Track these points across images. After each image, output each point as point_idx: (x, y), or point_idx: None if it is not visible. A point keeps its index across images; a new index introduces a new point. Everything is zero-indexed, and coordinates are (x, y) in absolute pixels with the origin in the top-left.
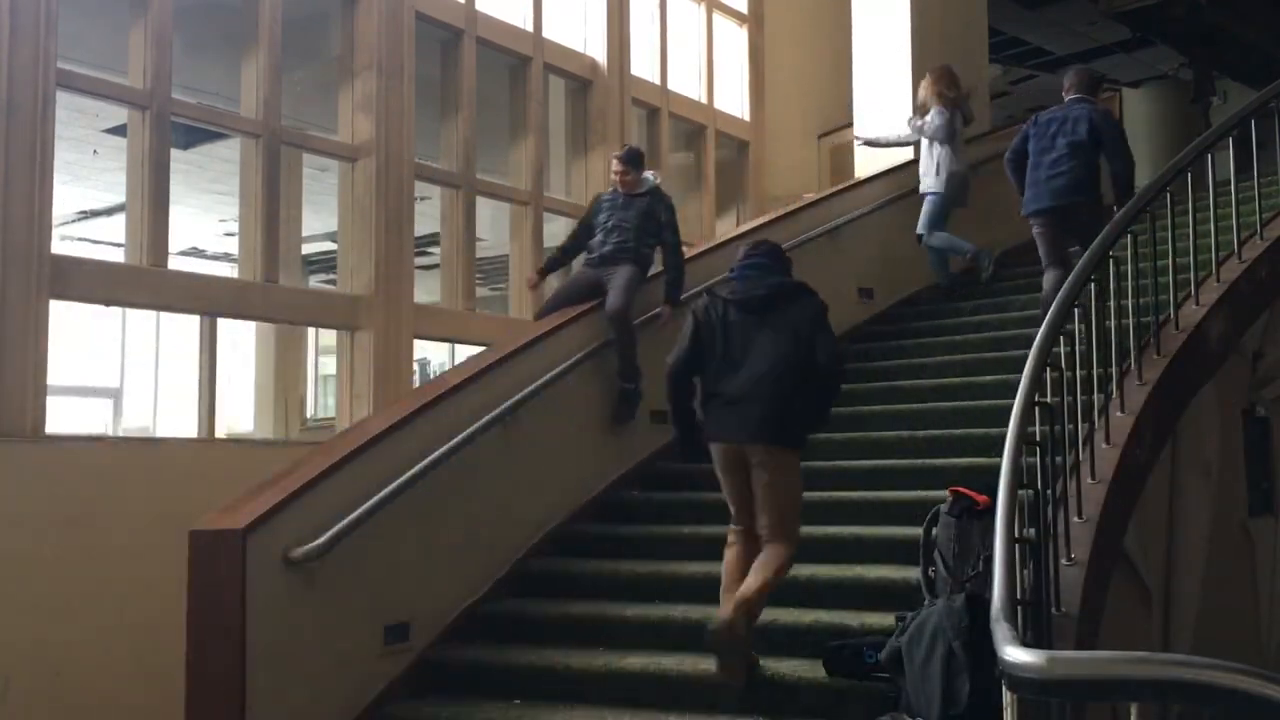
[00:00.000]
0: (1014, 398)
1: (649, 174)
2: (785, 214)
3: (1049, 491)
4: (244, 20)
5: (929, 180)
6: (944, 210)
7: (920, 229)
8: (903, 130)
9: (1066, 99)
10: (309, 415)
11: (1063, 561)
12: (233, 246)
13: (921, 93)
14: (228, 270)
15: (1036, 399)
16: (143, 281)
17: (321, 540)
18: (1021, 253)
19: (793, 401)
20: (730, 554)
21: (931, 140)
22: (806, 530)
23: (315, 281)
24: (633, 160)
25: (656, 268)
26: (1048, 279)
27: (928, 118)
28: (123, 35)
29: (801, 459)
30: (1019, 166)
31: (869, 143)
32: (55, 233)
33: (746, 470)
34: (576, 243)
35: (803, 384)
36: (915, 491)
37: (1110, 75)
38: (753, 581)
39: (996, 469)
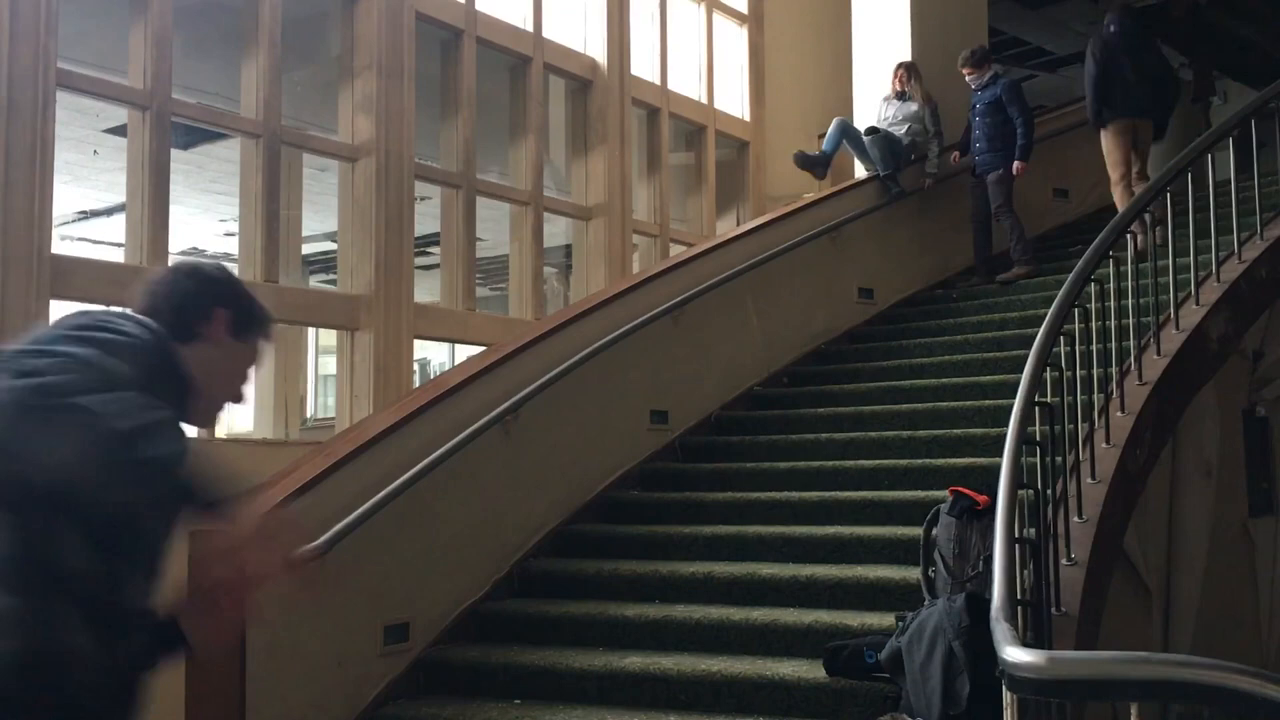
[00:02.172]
0: (1014, 398)
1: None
2: (785, 214)
3: (1049, 491)
4: (244, 20)
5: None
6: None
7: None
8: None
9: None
10: (309, 415)
11: (1063, 561)
12: (233, 246)
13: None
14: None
15: (1036, 399)
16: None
17: (321, 540)
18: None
19: None
20: None
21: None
22: (806, 530)
23: (315, 281)
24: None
25: None
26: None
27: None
28: (123, 35)
29: (802, 459)
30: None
31: (870, 131)
32: (55, 233)
33: None
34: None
35: None
36: (915, 491)
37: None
38: None
39: (996, 469)
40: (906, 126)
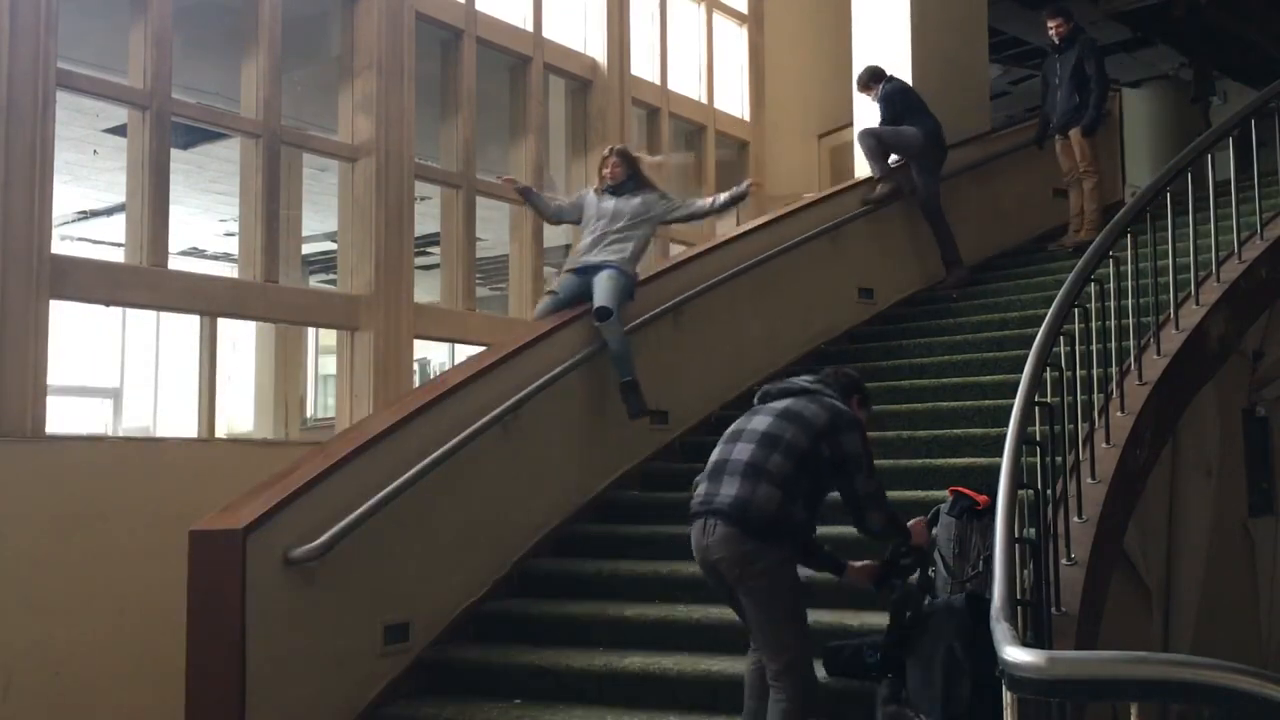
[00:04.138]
0: (1014, 398)
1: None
2: (785, 214)
3: (1049, 491)
4: (244, 20)
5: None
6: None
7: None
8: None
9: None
10: (309, 415)
11: (1063, 561)
12: (233, 246)
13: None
14: (228, 270)
15: (1036, 399)
16: (142, 281)
17: (321, 540)
18: (1020, 253)
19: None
20: None
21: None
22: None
23: (315, 281)
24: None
25: None
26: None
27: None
28: (123, 35)
29: None
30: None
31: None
32: (55, 233)
33: None
34: None
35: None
36: (915, 491)
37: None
38: None
39: (996, 469)
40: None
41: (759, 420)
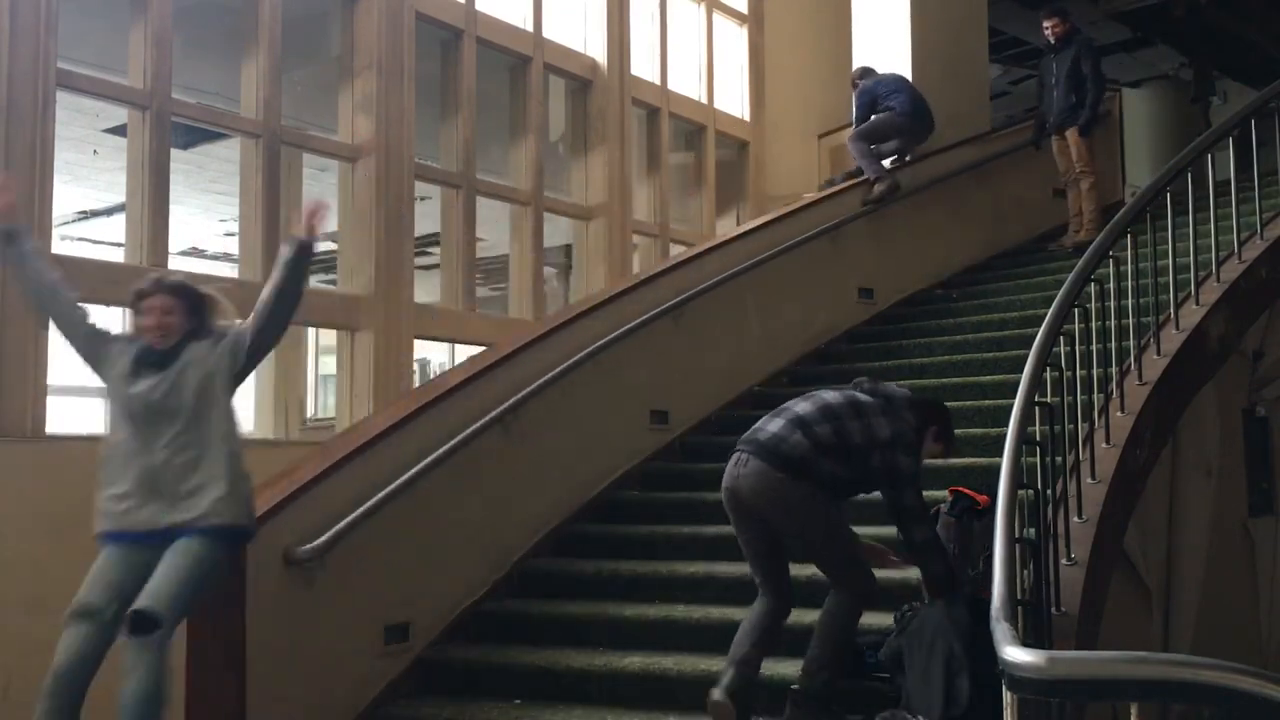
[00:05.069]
0: (1014, 398)
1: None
2: (785, 214)
3: (1049, 491)
4: (244, 20)
5: None
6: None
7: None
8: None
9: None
10: (309, 415)
11: (1063, 561)
12: (233, 246)
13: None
14: (228, 270)
15: (1036, 399)
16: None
17: (322, 540)
18: (1020, 253)
19: None
20: None
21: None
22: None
23: (315, 281)
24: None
25: None
26: None
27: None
28: (123, 35)
29: None
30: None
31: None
32: (55, 233)
33: None
34: None
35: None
36: None
37: (1110, 75)
38: None
39: (996, 469)
40: None
41: (831, 395)
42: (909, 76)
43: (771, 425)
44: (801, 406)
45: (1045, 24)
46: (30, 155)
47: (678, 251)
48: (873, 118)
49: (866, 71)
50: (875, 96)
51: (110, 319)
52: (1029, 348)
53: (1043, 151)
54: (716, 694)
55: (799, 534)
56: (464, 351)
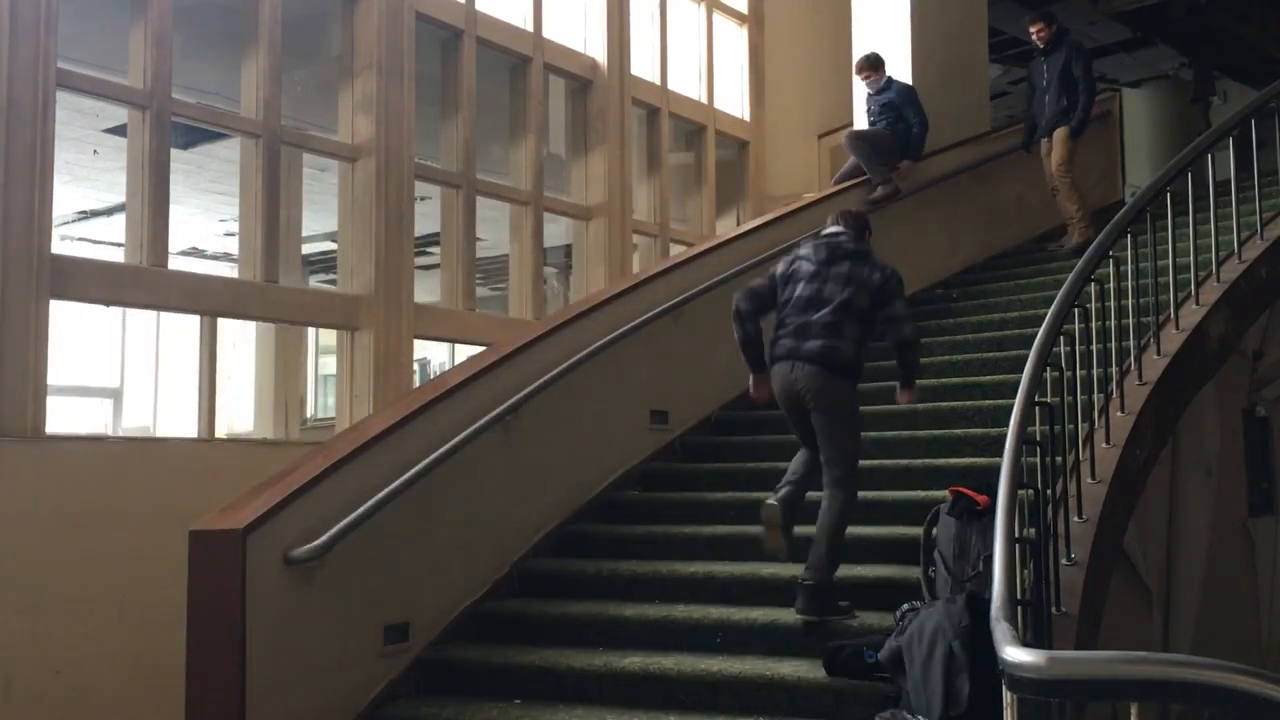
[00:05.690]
0: (1014, 398)
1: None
2: (785, 214)
3: (1049, 491)
4: (244, 20)
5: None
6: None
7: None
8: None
9: None
10: (309, 415)
11: (1063, 561)
12: (233, 246)
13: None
14: (228, 270)
15: (1036, 399)
16: (142, 281)
17: (321, 540)
18: (1020, 253)
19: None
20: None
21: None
22: (805, 531)
23: (315, 281)
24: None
25: None
26: None
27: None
28: (123, 35)
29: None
30: None
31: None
32: (55, 233)
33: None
34: None
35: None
36: (915, 491)
37: (1110, 75)
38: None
39: (996, 469)
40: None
41: (831, 289)
42: (909, 77)
43: (810, 342)
44: (829, 316)
45: (1031, 29)
46: (30, 155)
47: (678, 251)
48: (878, 128)
49: (881, 64)
50: (900, 112)
51: (110, 319)
52: (1029, 348)
53: (1031, 155)
54: (770, 499)
55: (830, 416)
56: (464, 351)
